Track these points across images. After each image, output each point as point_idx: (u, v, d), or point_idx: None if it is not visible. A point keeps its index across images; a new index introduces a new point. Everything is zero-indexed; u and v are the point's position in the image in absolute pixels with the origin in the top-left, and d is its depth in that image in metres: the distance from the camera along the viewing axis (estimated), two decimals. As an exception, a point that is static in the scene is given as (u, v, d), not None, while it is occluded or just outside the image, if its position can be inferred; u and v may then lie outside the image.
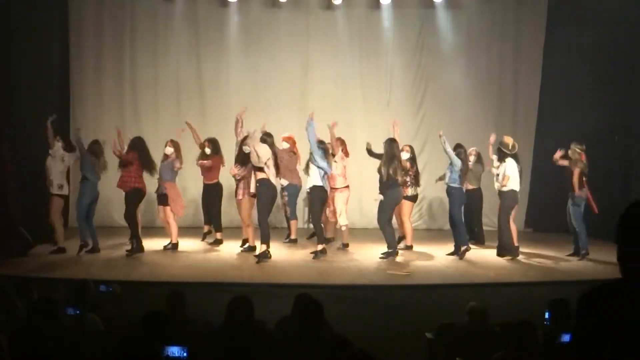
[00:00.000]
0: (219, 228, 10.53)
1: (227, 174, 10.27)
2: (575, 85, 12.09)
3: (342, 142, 10.35)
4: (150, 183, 9.93)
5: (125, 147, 9.59)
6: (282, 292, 7.16)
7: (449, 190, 9.79)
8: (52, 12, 10.45)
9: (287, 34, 12.73)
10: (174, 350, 3.89)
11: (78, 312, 4.84)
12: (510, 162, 9.54)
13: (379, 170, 9.42)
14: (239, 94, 12.62)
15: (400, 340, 5.81)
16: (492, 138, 10.51)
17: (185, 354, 3.90)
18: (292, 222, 10.69)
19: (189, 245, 10.38)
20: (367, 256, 9.82)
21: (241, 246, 10.08)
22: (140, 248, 9.39)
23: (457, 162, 9.63)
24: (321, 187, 9.48)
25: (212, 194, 10.43)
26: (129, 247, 9.46)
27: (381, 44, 12.89)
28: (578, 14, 11.84)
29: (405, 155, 9.88)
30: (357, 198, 12.31)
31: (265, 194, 9.06)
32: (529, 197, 12.34)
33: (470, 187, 10.33)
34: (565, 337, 4.30)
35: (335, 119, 12.39)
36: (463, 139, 11.59)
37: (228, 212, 11.58)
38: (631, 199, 10.61)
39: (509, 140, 9.77)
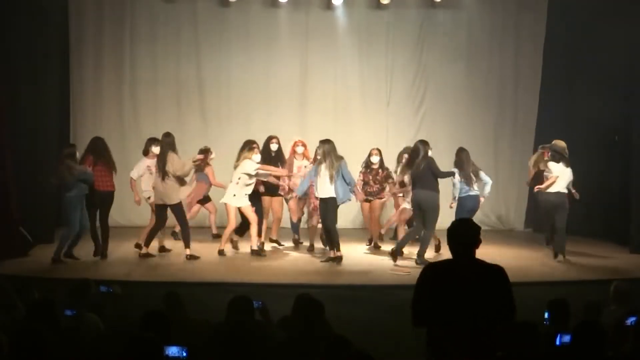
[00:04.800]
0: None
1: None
2: (575, 85, 12.09)
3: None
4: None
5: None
6: (282, 292, 7.16)
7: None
8: (51, 11, 10.43)
9: (287, 34, 12.72)
10: (174, 350, 3.89)
11: (78, 312, 4.84)
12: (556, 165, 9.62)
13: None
14: (239, 94, 12.64)
15: (400, 340, 5.81)
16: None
17: (184, 354, 3.90)
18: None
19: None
20: (367, 256, 9.82)
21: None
22: (105, 254, 9.27)
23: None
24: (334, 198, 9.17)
25: None
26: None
27: (381, 43, 12.87)
28: (578, 13, 11.84)
29: (375, 159, 10.12)
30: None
31: None
32: (528, 198, 12.33)
33: None
34: (565, 338, 4.29)
35: (335, 119, 12.51)
36: (463, 138, 11.61)
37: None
38: (631, 198, 10.66)
39: (563, 143, 9.84)
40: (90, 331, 4.67)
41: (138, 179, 9.82)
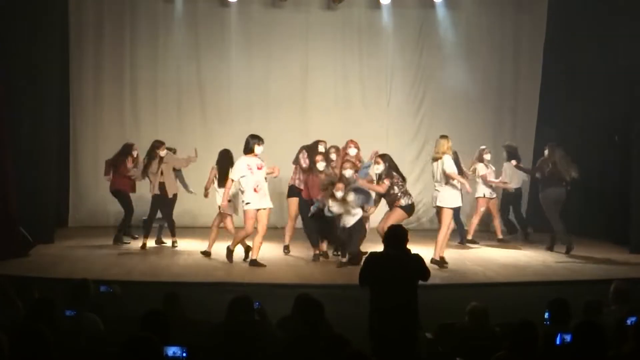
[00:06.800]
0: None
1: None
2: (575, 85, 12.09)
3: (337, 149, 9.81)
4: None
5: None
6: (282, 292, 7.16)
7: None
8: (51, 12, 10.42)
9: (287, 34, 12.73)
10: (174, 350, 3.89)
11: (78, 312, 4.84)
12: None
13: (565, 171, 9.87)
14: (239, 95, 12.65)
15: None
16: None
17: (184, 354, 3.90)
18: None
19: (189, 245, 10.38)
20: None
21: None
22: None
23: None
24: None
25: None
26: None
27: (381, 44, 12.89)
28: (578, 13, 11.84)
29: (379, 168, 8.95)
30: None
31: None
32: (528, 197, 12.33)
33: None
34: (566, 338, 4.29)
35: (335, 119, 12.49)
36: (463, 139, 11.61)
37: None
38: (631, 198, 10.66)
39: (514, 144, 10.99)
40: (90, 331, 4.67)
41: None
